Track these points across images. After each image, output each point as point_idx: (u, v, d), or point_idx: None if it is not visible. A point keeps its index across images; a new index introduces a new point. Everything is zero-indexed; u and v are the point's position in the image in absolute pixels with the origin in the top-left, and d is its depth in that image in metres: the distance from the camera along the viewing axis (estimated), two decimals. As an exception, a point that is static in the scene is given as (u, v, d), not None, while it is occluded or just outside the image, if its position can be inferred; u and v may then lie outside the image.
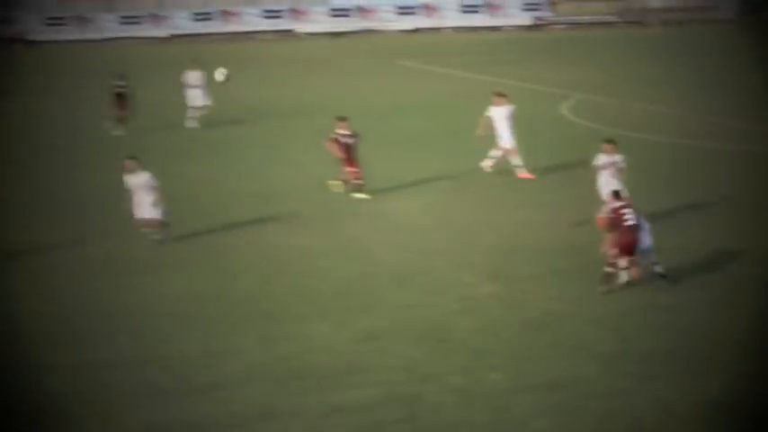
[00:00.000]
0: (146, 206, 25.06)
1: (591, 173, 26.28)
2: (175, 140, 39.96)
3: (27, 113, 47.15)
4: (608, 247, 20.98)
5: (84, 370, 17.99)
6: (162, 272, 23.28)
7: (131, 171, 25.29)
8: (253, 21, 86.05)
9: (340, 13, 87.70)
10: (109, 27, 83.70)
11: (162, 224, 25.27)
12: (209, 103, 42.47)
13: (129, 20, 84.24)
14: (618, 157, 25.99)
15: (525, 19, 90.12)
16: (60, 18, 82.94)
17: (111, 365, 18.19)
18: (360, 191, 29.48)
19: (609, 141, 26.44)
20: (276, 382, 17.38)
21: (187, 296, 21.60)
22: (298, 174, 33.13)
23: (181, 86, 43.10)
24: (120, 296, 21.71)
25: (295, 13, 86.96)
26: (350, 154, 29.51)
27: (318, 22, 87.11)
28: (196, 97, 42.52)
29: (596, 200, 24.96)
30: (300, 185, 31.33)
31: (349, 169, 29.47)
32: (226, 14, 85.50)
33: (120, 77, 41.90)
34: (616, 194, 21.89)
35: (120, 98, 41.29)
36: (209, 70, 42.49)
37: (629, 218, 20.89)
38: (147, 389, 17.21)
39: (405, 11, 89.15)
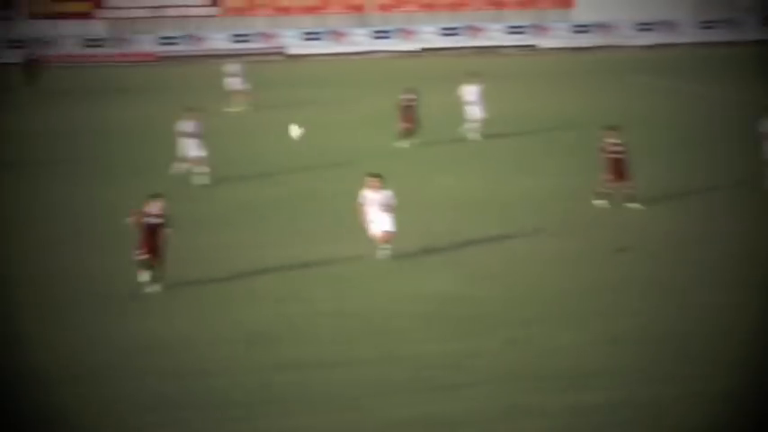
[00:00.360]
0: (380, 222, 26.30)
1: None
2: (459, 151, 42.15)
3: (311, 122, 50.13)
4: None
5: (325, 369, 20.05)
6: (408, 275, 25.61)
7: (373, 187, 26.65)
8: (497, 36, 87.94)
9: (581, 29, 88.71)
10: (360, 41, 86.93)
11: (391, 236, 26.35)
12: (485, 116, 43.69)
13: (381, 34, 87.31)
14: None
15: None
16: (315, 33, 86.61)
17: (356, 363, 20.29)
18: (632, 200, 31.25)
19: None
20: (519, 382, 19.18)
21: (434, 297, 23.88)
22: (548, 183, 35.32)
23: (458, 100, 44.28)
24: (369, 299, 24.07)
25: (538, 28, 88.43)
26: (618, 165, 31.25)
27: (560, 38, 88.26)
28: (474, 111, 43.82)
29: None
30: (549, 196, 33.49)
31: (617, 179, 31.17)
32: (472, 30, 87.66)
33: (409, 91, 43.17)
34: None
35: (408, 111, 42.66)
36: (485, 84, 44.18)
37: None
38: (391, 386, 19.16)
39: (644, 27, 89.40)
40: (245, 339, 21.57)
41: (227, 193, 35.21)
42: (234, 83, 54.87)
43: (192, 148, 36.55)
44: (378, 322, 22.54)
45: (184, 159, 36.64)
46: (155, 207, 23.70)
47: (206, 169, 36.29)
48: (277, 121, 49.73)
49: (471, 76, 44.64)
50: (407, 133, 42.67)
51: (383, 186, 26.76)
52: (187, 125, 36.89)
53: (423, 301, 23.73)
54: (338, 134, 46.75)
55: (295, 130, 22.22)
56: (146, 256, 23.75)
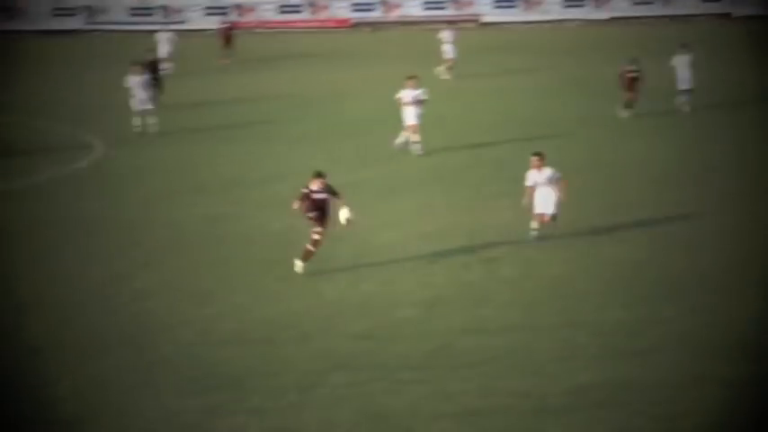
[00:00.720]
0: (545, 202, 25.51)
1: None
2: (669, 123, 41.31)
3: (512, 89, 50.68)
4: None
5: (507, 334, 20.46)
6: (590, 241, 25.67)
7: (537, 167, 25.60)
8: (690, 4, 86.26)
9: None
10: (552, 9, 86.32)
11: (555, 218, 25.62)
12: (693, 86, 42.73)
13: (573, 3, 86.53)
14: None
15: None
16: (509, 0, 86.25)
17: (541, 329, 20.55)
18: None
19: None
20: (701, 351, 19.15)
21: (616, 263, 23.98)
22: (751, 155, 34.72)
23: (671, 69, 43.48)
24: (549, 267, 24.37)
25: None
26: None
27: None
28: (684, 80, 42.96)
29: None
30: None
31: None
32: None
33: (633, 62, 42.54)
34: None
35: (633, 82, 42.07)
36: (694, 53, 43.44)
37: None
38: (574, 351, 19.36)
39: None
40: (425, 303, 22.09)
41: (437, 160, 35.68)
42: (448, 50, 55.27)
43: (411, 117, 36.02)
44: (561, 288, 22.77)
45: (406, 128, 36.20)
46: (316, 184, 24.07)
47: (418, 138, 36.03)
48: (483, 89, 50.34)
49: (682, 47, 43.81)
50: (630, 103, 42.19)
51: (544, 164, 25.78)
52: (407, 94, 36.04)
53: (604, 267, 23.89)
54: (546, 102, 46.80)
55: (344, 214, 22.52)
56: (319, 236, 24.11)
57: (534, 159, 25.61)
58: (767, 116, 42.13)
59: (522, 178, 25.84)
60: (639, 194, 30.27)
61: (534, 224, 25.57)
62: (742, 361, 18.65)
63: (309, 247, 23.85)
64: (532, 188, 25.54)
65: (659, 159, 34.80)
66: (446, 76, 53.90)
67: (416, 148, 35.77)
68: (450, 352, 19.53)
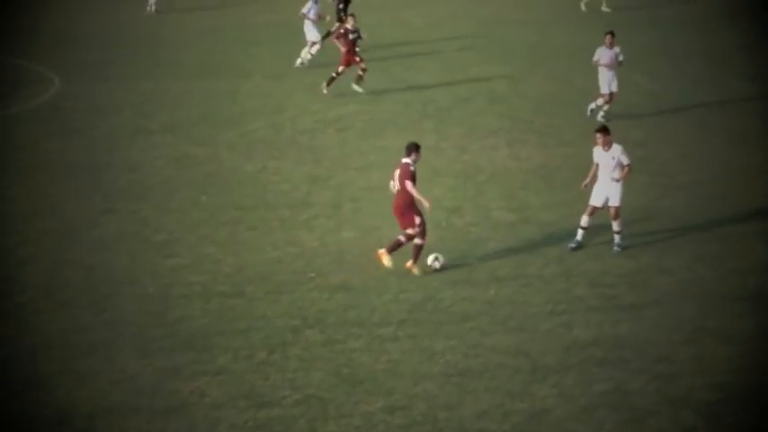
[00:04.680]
0: (606, 189, 22.07)
1: None
2: None
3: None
4: None
5: (509, 283, 20.60)
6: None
7: (602, 144, 22.02)
8: None
9: None
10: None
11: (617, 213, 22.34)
12: None
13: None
14: None
15: None
16: None
17: (534, 279, 20.64)
18: None
19: None
20: (709, 302, 19.35)
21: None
22: None
23: None
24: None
25: None
26: None
27: None
28: None
29: None
30: None
31: None
32: None
33: None
34: None
35: None
36: None
37: None
38: (571, 305, 19.41)
39: None
40: (409, 253, 21.96)
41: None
42: None
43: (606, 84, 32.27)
44: (557, 234, 22.83)
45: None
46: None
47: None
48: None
49: None
50: None
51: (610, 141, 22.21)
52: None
53: (604, 212, 23.76)
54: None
55: (435, 262, 22.11)
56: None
57: (597, 136, 22.07)
58: None
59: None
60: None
61: (585, 220, 22.29)
62: (745, 315, 18.82)
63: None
64: (597, 167, 22.22)
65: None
66: None
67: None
68: (435, 306, 19.57)
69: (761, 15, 46.52)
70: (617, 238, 21.99)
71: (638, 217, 23.42)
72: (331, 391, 16.66)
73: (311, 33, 39.95)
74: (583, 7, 50.76)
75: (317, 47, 39.97)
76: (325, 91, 34.99)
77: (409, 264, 21.16)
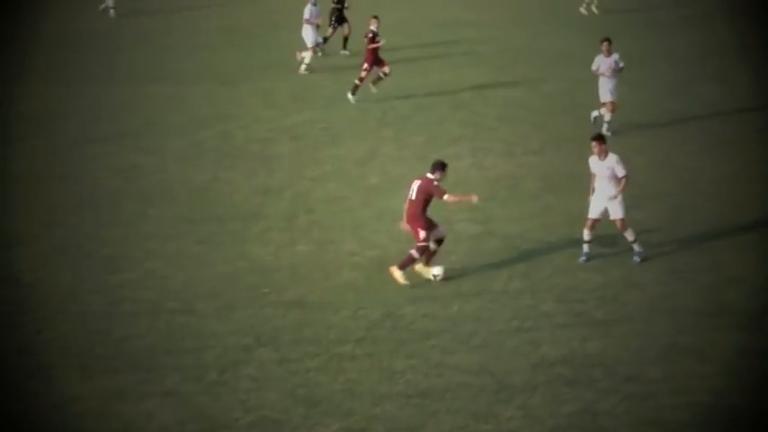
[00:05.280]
0: (603, 201, 21.56)
1: None
2: None
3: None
4: None
5: (473, 299, 20.22)
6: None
7: (597, 153, 21.50)
8: None
9: None
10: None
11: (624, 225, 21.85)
12: None
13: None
14: None
15: None
16: None
17: (499, 295, 20.25)
18: None
19: None
20: (681, 318, 19.01)
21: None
22: None
23: None
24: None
25: None
26: None
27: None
28: None
29: None
30: None
31: None
32: None
33: None
34: None
35: None
36: None
37: None
38: (537, 321, 19.06)
39: None
40: (368, 267, 21.70)
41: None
42: None
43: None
44: (521, 247, 22.46)
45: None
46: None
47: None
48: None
49: None
50: None
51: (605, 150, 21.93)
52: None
53: (573, 223, 23.39)
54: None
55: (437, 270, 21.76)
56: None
57: (593, 145, 21.50)
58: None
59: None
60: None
61: (586, 234, 21.79)
62: (725, 330, 18.53)
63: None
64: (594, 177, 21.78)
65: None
66: None
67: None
68: (395, 323, 19.17)
69: (736, 19, 46.66)
70: (635, 247, 21.64)
71: (607, 229, 23.01)
72: (286, 412, 16.23)
73: (309, 38, 40.10)
74: (583, 11, 50.83)
75: (309, 53, 39.85)
76: (374, 90, 35.16)
77: (394, 268, 20.95)
